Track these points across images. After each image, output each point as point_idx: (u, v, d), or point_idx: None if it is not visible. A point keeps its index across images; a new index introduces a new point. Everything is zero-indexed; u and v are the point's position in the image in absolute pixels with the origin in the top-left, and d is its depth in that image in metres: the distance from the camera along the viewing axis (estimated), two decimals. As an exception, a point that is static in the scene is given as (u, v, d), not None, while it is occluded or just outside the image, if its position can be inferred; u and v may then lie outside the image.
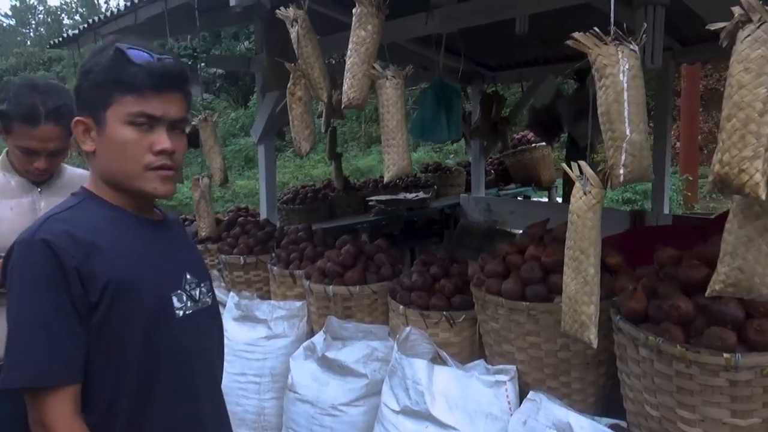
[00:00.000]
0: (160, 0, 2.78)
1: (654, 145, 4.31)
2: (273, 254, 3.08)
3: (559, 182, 7.23)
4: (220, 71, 22.17)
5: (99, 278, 1.05)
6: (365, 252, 2.61)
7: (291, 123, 2.06)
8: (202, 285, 1.24)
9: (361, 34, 1.69)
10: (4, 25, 41.93)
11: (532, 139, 6.54)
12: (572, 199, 1.19)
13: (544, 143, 6.43)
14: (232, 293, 2.89)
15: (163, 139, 1.11)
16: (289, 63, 2.01)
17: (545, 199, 6.70)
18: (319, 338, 2.35)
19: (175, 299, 1.15)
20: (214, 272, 3.37)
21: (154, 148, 1.11)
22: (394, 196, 5.28)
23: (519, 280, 1.80)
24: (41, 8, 41.20)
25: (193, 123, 2.89)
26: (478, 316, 1.99)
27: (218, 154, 2.91)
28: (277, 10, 1.99)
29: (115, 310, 1.06)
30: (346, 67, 1.72)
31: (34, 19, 40.98)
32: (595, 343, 1.23)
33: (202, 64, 4.44)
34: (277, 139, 4.41)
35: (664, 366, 1.38)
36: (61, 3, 38.43)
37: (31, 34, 39.32)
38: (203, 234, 3.06)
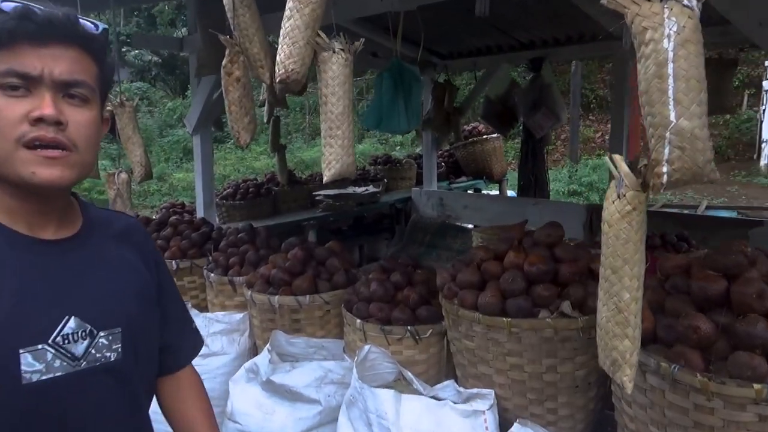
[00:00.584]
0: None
1: (611, 133, 4.19)
2: (210, 258, 2.73)
3: (511, 175, 7.15)
4: (156, 59, 21.11)
5: None
6: (316, 256, 2.31)
7: (227, 109, 1.73)
8: (102, 335, 0.91)
9: None
10: None
11: (483, 130, 6.39)
12: (605, 204, 0.94)
13: (495, 135, 6.29)
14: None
15: (43, 104, 0.83)
16: (225, 36, 1.67)
17: (496, 192, 6.57)
18: (263, 358, 2.04)
19: (28, 357, 0.84)
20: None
21: (30, 116, 0.83)
22: (342, 191, 4.98)
23: (498, 292, 1.55)
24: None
25: (108, 108, 2.49)
26: (449, 331, 1.73)
27: (138, 145, 2.50)
28: (207, -30, 1.65)
29: None
30: (284, 31, 1.39)
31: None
32: (629, 388, 0.99)
33: (126, 48, 3.98)
34: (215, 130, 4.02)
35: (679, 397, 1.17)
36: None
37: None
38: None
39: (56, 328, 0.87)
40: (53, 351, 0.86)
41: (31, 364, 0.84)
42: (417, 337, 1.82)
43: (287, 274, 2.21)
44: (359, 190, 5.06)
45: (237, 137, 1.77)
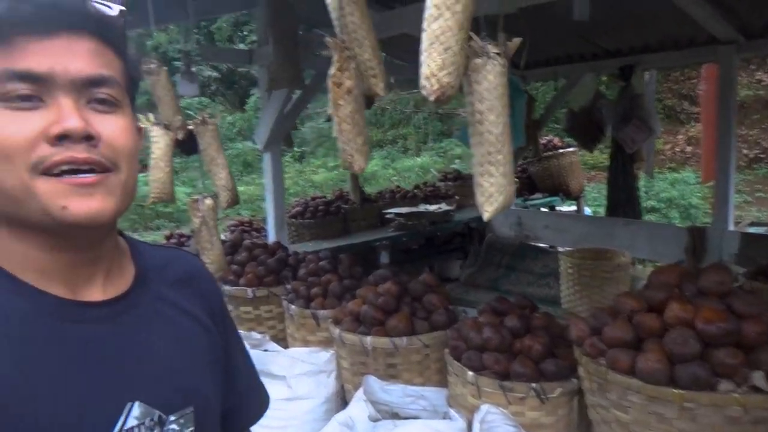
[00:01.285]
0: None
1: (718, 146, 3.79)
2: (288, 287, 2.52)
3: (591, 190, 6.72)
4: (215, 74, 21.65)
5: None
6: (410, 291, 2.06)
7: (337, 128, 1.49)
8: (173, 419, 0.68)
9: None
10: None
11: (560, 144, 6.03)
12: None
13: (572, 149, 5.92)
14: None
15: (65, 114, 0.60)
16: (333, 39, 1.44)
17: (574, 209, 6.17)
18: (358, 410, 1.80)
19: None
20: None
21: (49, 133, 0.59)
22: (414, 209, 4.74)
23: (663, 355, 1.25)
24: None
25: (188, 127, 2.33)
26: (591, 396, 1.44)
27: (223, 166, 2.32)
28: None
29: None
30: (430, 34, 1.14)
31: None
32: None
33: (196, 62, 3.89)
34: (285, 146, 3.85)
35: None
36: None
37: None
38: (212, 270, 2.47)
39: (117, 422, 0.64)
40: None
41: None
42: (543, 397, 1.54)
43: (380, 312, 1.97)
44: (432, 208, 4.81)
45: (349, 161, 1.53)
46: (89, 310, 0.67)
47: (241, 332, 2.34)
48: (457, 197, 5.36)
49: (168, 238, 4.36)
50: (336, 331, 2.02)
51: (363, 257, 4.22)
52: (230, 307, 2.69)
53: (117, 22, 0.67)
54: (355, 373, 1.99)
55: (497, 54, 1.26)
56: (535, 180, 6.05)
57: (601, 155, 13.01)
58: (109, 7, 0.67)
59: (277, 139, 3.47)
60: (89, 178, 0.61)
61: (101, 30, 0.65)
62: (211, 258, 2.28)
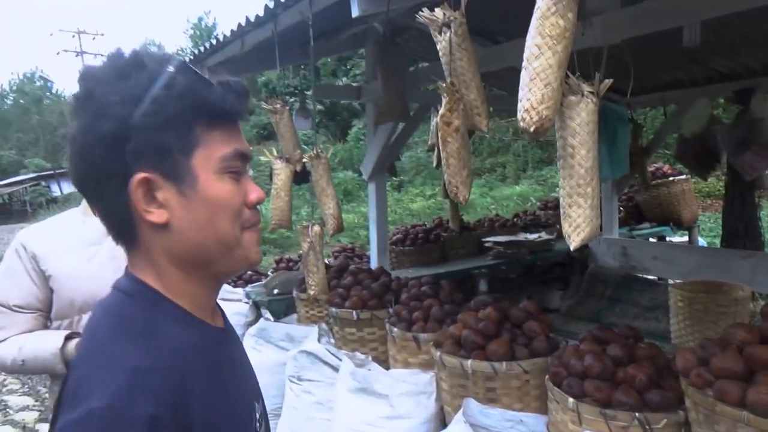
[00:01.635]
0: (269, 22, 2.49)
1: None
2: (391, 311, 2.64)
3: (709, 221, 6.33)
4: (319, 107, 22.77)
5: None
6: (511, 318, 2.10)
7: (444, 162, 1.62)
8: (260, 409, 0.90)
9: (560, 25, 1.21)
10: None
11: (670, 171, 5.77)
12: None
13: (684, 176, 5.64)
14: (345, 358, 2.47)
15: (255, 186, 0.80)
16: (444, 83, 1.58)
17: (685, 239, 5.84)
18: (457, 430, 1.86)
19: None
20: (323, 326, 3.00)
21: (248, 200, 0.79)
22: (513, 238, 4.73)
23: (777, 388, 1.22)
24: (161, 55, 45.07)
25: (303, 160, 2.56)
26: (697, 428, 1.41)
27: (332, 197, 2.52)
28: (421, 13, 1.57)
29: None
30: (531, 72, 1.24)
31: (155, 65, 44.82)
32: None
33: (309, 96, 4.20)
34: (389, 176, 4.03)
35: None
36: (177, 50, 41.79)
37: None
38: (312, 293, 2.66)
39: (254, 414, 0.85)
40: None
41: None
42: (647, 427, 1.52)
43: (480, 337, 2.03)
44: (531, 236, 4.77)
45: (454, 193, 1.65)
46: (221, 335, 0.86)
47: (346, 352, 2.49)
48: (557, 226, 5.28)
49: (278, 262, 4.67)
50: (437, 353, 2.11)
51: (462, 284, 4.28)
52: (336, 329, 2.85)
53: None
54: (455, 396, 2.06)
55: (591, 92, 1.32)
56: (642, 209, 5.81)
57: (718, 182, 12.16)
58: None
59: (382, 169, 3.66)
60: (258, 232, 0.82)
61: None
62: (316, 281, 2.46)
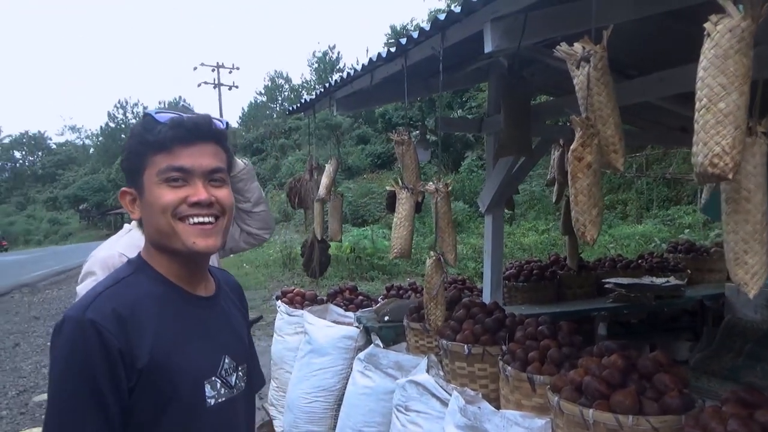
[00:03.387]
0: (399, 57, 2.57)
1: None
2: (505, 348, 2.56)
3: None
4: (434, 138, 23.05)
5: (137, 362, 1.04)
6: (639, 368, 1.95)
7: (573, 199, 1.56)
8: (240, 369, 1.23)
9: (744, 64, 1.14)
10: (257, 101, 49.76)
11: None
12: None
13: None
14: (456, 393, 2.42)
15: (198, 191, 1.10)
16: (578, 116, 1.53)
17: None
18: (576, 484, 1.74)
19: (208, 387, 1.13)
20: (433, 358, 2.97)
21: (189, 201, 1.10)
22: (637, 281, 4.42)
23: None
24: (287, 86, 48.20)
25: (421, 190, 2.58)
26: None
27: (452, 233, 2.51)
28: (558, 47, 1.55)
29: (147, 397, 1.05)
30: (716, 114, 1.19)
31: (280, 96, 47.97)
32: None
33: (429, 128, 4.25)
34: (507, 210, 3.96)
35: None
36: (302, 81, 44.46)
37: (277, 108, 46.10)
38: (435, 326, 2.63)
39: (220, 363, 1.17)
40: (220, 381, 1.15)
41: (209, 392, 1.13)
42: None
43: (604, 385, 1.90)
44: (658, 281, 4.43)
45: (582, 231, 1.58)
46: (199, 300, 1.19)
47: (455, 387, 2.44)
48: (689, 271, 4.86)
49: (388, 289, 4.72)
50: (554, 398, 2.00)
51: (579, 327, 4.05)
52: (446, 361, 2.81)
53: (225, 132, 1.18)
54: (573, 446, 1.94)
55: (764, 133, 1.23)
56: (790, 258, 5.21)
57: None
58: (221, 123, 1.18)
59: (500, 202, 3.60)
60: (207, 226, 1.11)
61: (217, 138, 1.14)
62: (439, 314, 2.44)
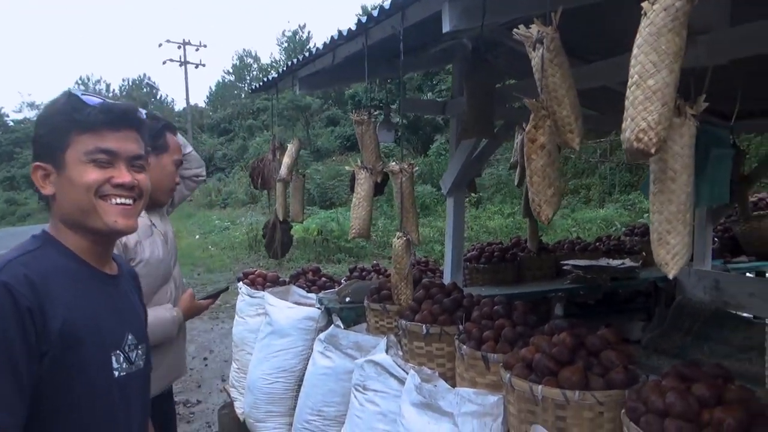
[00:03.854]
0: (360, 35, 2.54)
1: None
2: (461, 328, 2.60)
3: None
4: (403, 121, 22.98)
5: (50, 328, 1.07)
6: (587, 345, 2.01)
7: (528, 179, 1.58)
8: (140, 347, 1.28)
9: (676, 42, 1.16)
10: (225, 81, 48.80)
11: (773, 203, 5.34)
12: None
13: (791, 209, 5.20)
14: (412, 372, 2.45)
15: (122, 173, 1.18)
16: (531, 99, 1.55)
17: (789, 279, 5.37)
18: (523, 458, 1.80)
19: (113, 359, 1.19)
20: (392, 338, 3.00)
21: (113, 182, 1.17)
22: (594, 263, 4.53)
23: None
24: (255, 66, 47.32)
25: (385, 169, 2.57)
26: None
27: (415, 213, 2.51)
28: (516, 29, 1.55)
29: (59, 365, 1.09)
30: (645, 91, 1.20)
31: (249, 75, 47.09)
32: None
33: (393, 109, 4.24)
34: (469, 192, 4.00)
35: None
36: (271, 61, 43.70)
37: (245, 87, 45.27)
38: (405, 306, 2.64)
39: (124, 339, 1.23)
40: (123, 355, 1.21)
41: (114, 364, 1.19)
42: (734, 478, 1.40)
43: (553, 362, 1.95)
44: (614, 263, 4.56)
45: (537, 211, 1.61)
46: (106, 277, 1.26)
47: (413, 366, 2.47)
48: (644, 253, 5.01)
49: (351, 271, 4.73)
50: (506, 375, 2.04)
51: (536, 307, 4.14)
52: (404, 341, 2.85)
53: (146, 121, 1.28)
54: (523, 421, 1.99)
55: (693, 115, 1.25)
56: (740, 241, 5.41)
57: (830, 219, 11.09)
58: (143, 113, 1.30)
59: (462, 184, 3.63)
60: (128, 207, 1.20)
61: (140, 126, 1.23)
62: (407, 294, 2.45)
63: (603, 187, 17.16)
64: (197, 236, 19.14)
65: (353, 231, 2.38)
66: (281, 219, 3.75)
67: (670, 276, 1.35)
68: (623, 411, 1.73)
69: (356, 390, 2.78)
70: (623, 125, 1.23)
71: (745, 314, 4.23)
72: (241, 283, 4.15)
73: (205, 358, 6.75)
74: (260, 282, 4.11)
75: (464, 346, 2.41)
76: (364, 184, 2.27)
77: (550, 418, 1.89)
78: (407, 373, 2.55)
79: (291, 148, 3.54)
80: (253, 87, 4.43)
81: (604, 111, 4.82)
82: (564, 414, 1.87)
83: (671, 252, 1.30)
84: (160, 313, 2.10)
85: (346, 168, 2.54)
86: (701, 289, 4.52)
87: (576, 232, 12.49)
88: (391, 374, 2.64)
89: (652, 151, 1.19)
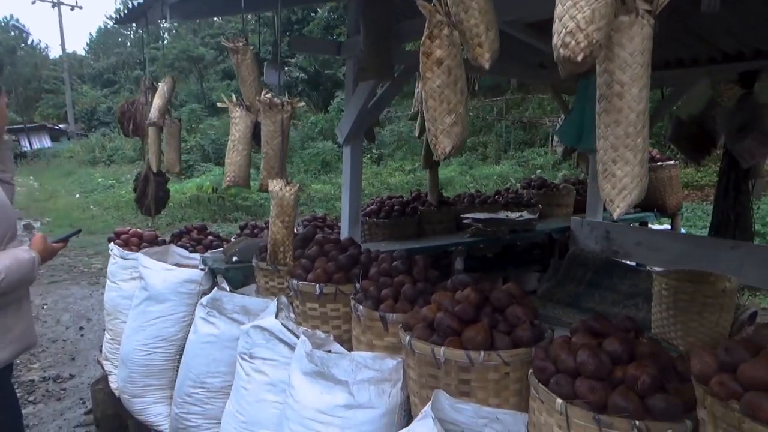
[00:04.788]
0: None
1: None
2: (358, 286, 2.37)
3: (687, 211, 6.17)
4: (302, 75, 22.10)
5: None
6: (492, 301, 1.84)
7: (423, 105, 1.31)
8: None
9: None
10: (108, 26, 44.52)
11: (657, 156, 5.57)
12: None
13: (671, 162, 5.46)
14: (303, 337, 2.19)
15: None
16: (424, 2, 1.26)
17: (668, 227, 5.67)
18: (424, 427, 1.60)
19: None
20: (283, 299, 2.72)
21: None
22: (493, 215, 4.49)
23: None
24: (140, 10, 43.58)
25: (263, 102, 2.20)
26: (713, 445, 1.17)
27: (285, 158, 2.20)
28: None
29: None
30: None
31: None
32: None
33: (285, 51, 3.83)
34: (367, 142, 3.73)
35: None
36: (158, 5, 40.39)
37: (131, 35, 41.64)
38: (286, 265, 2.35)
39: None
40: None
41: None
42: (649, 439, 1.28)
43: (456, 321, 1.76)
44: (513, 215, 4.53)
45: (434, 144, 1.35)
46: None
47: (305, 330, 2.21)
48: (540, 206, 5.05)
49: (242, 228, 4.35)
50: (406, 337, 1.84)
51: (437, 262, 4.02)
52: (297, 303, 2.58)
53: None
54: (423, 386, 1.80)
55: (648, 11, 1.03)
56: (626, 194, 5.63)
57: (696, 173, 12.09)
58: None
59: (359, 133, 3.35)
60: None
61: None
62: (293, 251, 2.16)
63: (499, 144, 17.66)
64: (77, 195, 17.57)
65: (227, 178, 2.04)
66: (154, 170, 3.29)
67: (615, 215, 1.14)
68: (531, 371, 1.58)
69: (242, 359, 2.48)
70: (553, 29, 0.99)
71: (631, 263, 4.38)
72: (112, 244, 3.66)
73: (81, 328, 6.12)
74: (135, 242, 3.64)
75: (360, 306, 2.18)
76: (239, 124, 1.91)
77: (453, 382, 1.72)
78: (299, 339, 2.29)
79: (163, 87, 3.05)
80: (119, 16, 3.82)
81: (503, 60, 4.71)
82: (468, 377, 1.70)
83: (617, 186, 1.10)
84: (18, 254, 1.98)
85: (218, 104, 2.16)
86: (593, 240, 4.62)
87: (474, 188, 12.74)
88: (281, 340, 2.37)
89: (579, 58, 0.97)
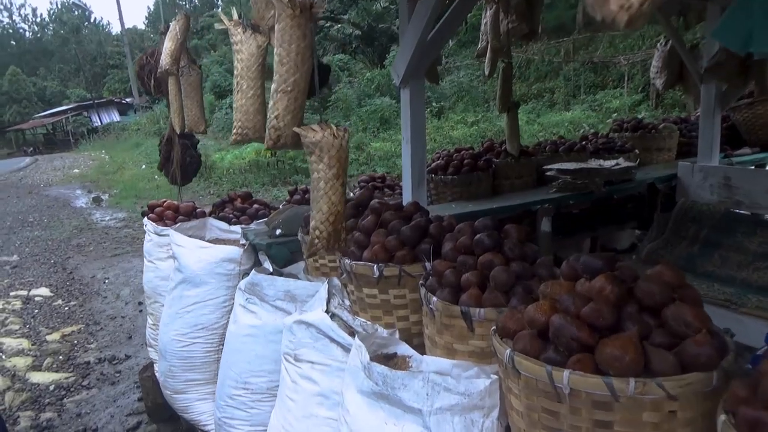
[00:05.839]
0: None
1: None
2: (428, 267, 1.79)
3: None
4: (357, 32, 21.27)
5: None
6: (639, 296, 1.20)
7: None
8: None
9: None
10: (162, -4, 44.96)
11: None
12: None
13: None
14: (357, 341, 1.63)
15: None
16: None
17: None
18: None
19: None
20: (336, 282, 2.18)
21: None
22: (584, 165, 3.75)
23: None
24: (194, -23, 43.61)
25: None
26: None
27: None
28: None
29: None
30: None
31: (187, -12, 43.35)
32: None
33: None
34: (430, 83, 3.08)
35: None
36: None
37: (186, 5, 41.85)
38: (315, 245, 1.81)
39: None
40: None
41: None
42: None
43: (586, 330, 1.15)
44: (607, 164, 3.78)
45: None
46: None
47: (363, 322, 1.59)
48: (636, 151, 4.25)
49: (291, 193, 3.84)
50: (505, 351, 1.25)
51: (530, 229, 3.37)
52: (351, 288, 2.03)
53: None
54: (536, 425, 1.21)
55: None
56: (741, 131, 4.70)
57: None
58: None
59: (419, 71, 2.71)
60: None
61: None
62: (324, 224, 1.60)
63: (567, 89, 16.41)
64: (143, 166, 17.87)
65: (236, 133, 1.47)
66: (178, 131, 2.79)
67: (621, 28, 0.54)
68: (722, 416, 0.96)
69: (287, 360, 1.98)
70: None
71: (761, 214, 3.57)
72: (146, 218, 3.23)
73: (140, 303, 5.91)
74: (170, 216, 3.20)
75: (434, 298, 1.60)
76: (244, 51, 1.31)
77: (584, 424, 1.12)
78: (354, 339, 1.75)
79: (175, 26, 2.49)
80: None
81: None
82: (609, 418, 1.09)
83: None
84: None
85: (216, 26, 1.57)
86: (708, 189, 3.82)
87: (544, 137, 11.79)
88: (332, 340, 1.84)
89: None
